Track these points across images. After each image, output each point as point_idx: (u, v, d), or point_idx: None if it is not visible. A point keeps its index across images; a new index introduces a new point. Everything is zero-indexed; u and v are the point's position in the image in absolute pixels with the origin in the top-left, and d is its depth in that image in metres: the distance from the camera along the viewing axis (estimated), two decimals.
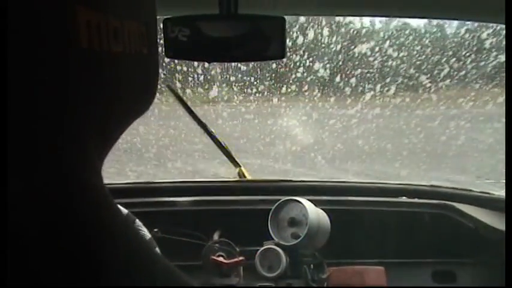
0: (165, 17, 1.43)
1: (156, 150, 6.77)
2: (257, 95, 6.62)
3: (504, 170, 1.36)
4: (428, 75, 7.01)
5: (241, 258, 2.24)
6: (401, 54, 7.20)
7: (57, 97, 0.44)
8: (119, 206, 0.61)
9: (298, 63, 6.73)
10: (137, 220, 1.63)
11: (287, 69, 6.87)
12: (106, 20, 0.49)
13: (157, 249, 1.35)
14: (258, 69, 6.48)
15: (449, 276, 2.42)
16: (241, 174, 2.81)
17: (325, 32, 6.35)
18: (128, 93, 0.58)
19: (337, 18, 6.36)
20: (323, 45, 6.69)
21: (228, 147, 2.82)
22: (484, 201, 2.48)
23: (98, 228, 0.50)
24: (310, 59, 6.77)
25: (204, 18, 1.49)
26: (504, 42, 1.47)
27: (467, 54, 6.65)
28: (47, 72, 0.43)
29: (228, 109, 6.68)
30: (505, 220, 1.58)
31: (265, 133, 6.98)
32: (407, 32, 7.04)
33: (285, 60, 5.82)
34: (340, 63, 6.99)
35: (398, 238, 2.45)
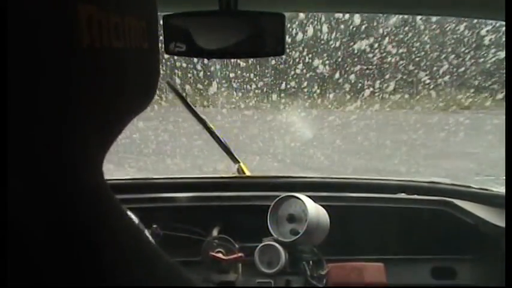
0: (165, 13, 1.43)
1: (155, 146, 6.78)
2: (256, 91, 6.63)
3: (504, 166, 1.36)
4: (428, 71, 7.02)
5: (240, 254, 2.24)
6: (400, 51, 7.21)
7: (58, 94, 0.44)
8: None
9: (297, 60, 6.74)
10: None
11: (286, 65, 6.88)
12: (107, 15, 0.49)
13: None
14: (257, 66, 6.49)
15: (449, 273, 2.43)
16: (240, 170, 2.81)
17: (325, 28, 6.36)
18: (129, 89, 0.58)
19: (337, 15, 6.37)
20: (322, 42, 6.70)
21: (227, 143, 2.82)
22: (483, 198, 2.48)
23: (100, 224, 0.50)
24: (310, 55, 6.78)
25: (204, 15, 1.49)
26: (503, 39, 1.47)
27: (467, 50, 6.67)
28: (47, 69, 0.42)
29: (227, 105, 6.69)
30: (505, 217, 1.59)
31: (265, 129, 6.99)
32: (406, 28, 7.05)
33: (284, 56, 5.83)
34: (340, 59, 7.00)
35: (398, 234, 2.45)
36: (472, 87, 6.63)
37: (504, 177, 1.40)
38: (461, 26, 6.55)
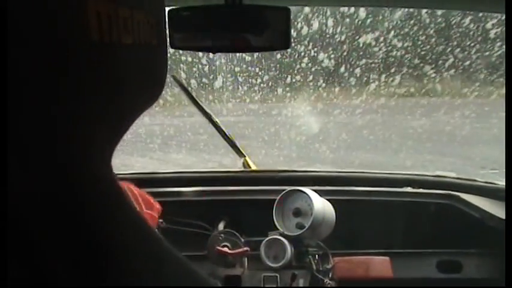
0: (171, 7, 1.43)
1: (161, 140, 6.78)
2: (262, 85, 6.63)
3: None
4: (433, 65, 7.01)
5: (246, 248, 2.24)
6: (405, 45, 7.20)
7: (67, 89, 0.44)
8: None
9: (302, 54, 6.73)
10: None
11: (292, 59, 6.87)
12: (116, 11, 0.49)
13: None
14: (263, 60, 6.48)
15: (455, 266, 2.42)
16: (246, 165, 2.82)
17: (330, 22, 6.36)
18: (138, 84, 0.58)
19: (342, 9, 6.36)
20: (328, 36, 6.70)
21: (233, 137, 2.82)
22: (489, 191, 2.48)
23: (108, 218, 0.50)
24: (315, 49, 6.77)
25: (209, 9, 1.49)
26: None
27: (472, 44, 6.65)
28: (57, 64, 0.43)
29: (233, 99, 6.69)
30: (505, 214, 1.59)
31: (270, 123, 6.98)
32: (411, 22, 7.05)
33: (289, 50, 5.82)
34: (345, 53, 7.00)
35: (404, 228, 2.45)
36: (477, 80, 6.61)
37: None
38: (467, 20, 6.54)
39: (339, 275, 2.24)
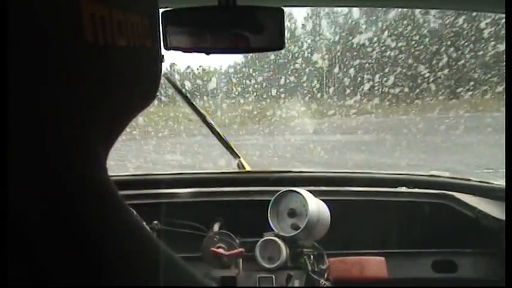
0: (164, 9, 1.43)
1: (155, 142, 6.79)
2: (256, 86, 6.64)
3: (503, 159, 1.36)
4: (427, 65, 7.03)
5: (241, 249, 2.24)
6: (399, 45, 7.21)
7: (61, 91, 0.44)
8: None
9: (296, 54, 6.74)
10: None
11: (286, 60, 6.88)
12: (110, 12, 0.49)
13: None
14: (257, 61, 6.49)
15: (450, 266, 2.43)
16: (240, 166, 2.82)
17: (324, 22, 6.37)
18: (132, 86, 0.58)
19: (335, 9, 6.36)
20: (322, 36, 6.71)
21: (227, 138, 2.82)
22: (483, 191, 2.48)
23: (103, 220, 0.50)
24: (309, 49, 6.78)
25: (203, 10, 1.50)
26: (503, 32, 1.47)
27: (466, 43, 6.67)
28: (51, 66, 0.43)
29: (227, 100, 6.70)
30: (505, 212, 1.59)
31: (264, 124, 7.00)
32: (405, 22, 7.07)
33: (283, 51, 5.84)
34: (339, 54, 7.01)
35: (398, 228, 2.45)
36: (471, 80, 6.64)
37: (504, 170, 1.41)
38: (460, 19, 6.56)
39: (334, 276, 2.24)
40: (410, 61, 7.08)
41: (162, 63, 0.68)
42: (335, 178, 2.66)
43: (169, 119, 6.63)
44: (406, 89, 7.02)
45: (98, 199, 0.50)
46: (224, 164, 3.61)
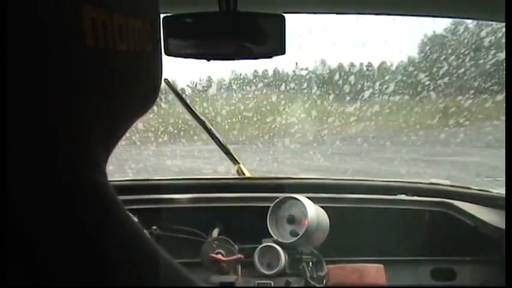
0: (165, 14, 1.43)
1: (155, 147, 6.77)
2: (256, 92, 6.62)
3: (504, 168, 1.36)
4: (427, 73, 7.02)
5: (240, 255, 2.24)
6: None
7: (62, 95, 0.44)
8: None
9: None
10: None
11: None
12: (111, 17, 0.49)
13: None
14: (257, 67, 6.48)
15: (449, 274, 2.43)
16: (240, 172, 2.82)
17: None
18: (133, 91, 0.58)
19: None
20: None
21: (227, 144, 2.82)
22: (483, 199, 2.48)
23: (102, 224, 0.50)
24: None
25: (204, 16, 1.49)
26: (503, 40, 1.47)
27: (466, 52, 6.66)
28: (52, 69, 0.43)
29: (227, 107, 6.69)
30: (505, 219, 1.59)
31: (264, 131, 6.98)
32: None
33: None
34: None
35: (397, 236, 2.45)
36: (471, 88, 6.63)
37: (504, 179, 1.40)
38: (461, 27, 6.56)
39: (333, 282, 2.24)
40: (410, 68, 7.08)
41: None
42: (334, 185, 2.65)
43: (169, 124, 6.62)
44: (406, 97, 7.01)
45: (97, 203, 0.51)
46: (224, 170, 3.60)
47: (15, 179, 0.42)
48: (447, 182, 2.69)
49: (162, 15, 1.41)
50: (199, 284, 0.65)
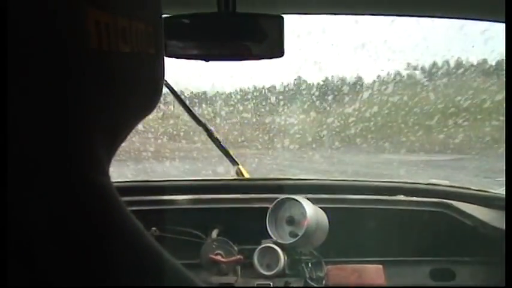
0: (164, 15, 1.43)
1: (154, 148, 6.77)
2: (255, 93, 6.61)
3: (503, 168, 1.36)
4: (426, 73, 7.01)
5: (239, 256, 2.24)
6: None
7: (65, 96, 0.44)
8: None
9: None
10: None
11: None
12: (115, 20, 0.49)
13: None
14: (256, 68, 6.47)
15: (448, 274, 2.42)
16: (239, 173, 2.81)
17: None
18: (136, 93, 0.58)
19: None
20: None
21: (226, 145, 2.82)
22: (482, 199, 2.48)
23: (106, 226, 0.50)
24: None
25: (203, 17, 1.49)
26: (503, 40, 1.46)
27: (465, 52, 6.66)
28: (55, 71, 0.43)
29: (226, 108, 6.69)
30: (505, 219, 1.59)
31: (264, 131, 6.98)
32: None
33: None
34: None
35: (397, 236, 2.45)
36: (471, 88, 6.62)
37: (503, 179, 1.40)
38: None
39: (332, 283, 2.24)
40: (409, 69, 7.08)
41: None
42: (333, 186, 2.65)
43: (168, 125, 6.62)
44: (405, 98, 7.01)
45: (100, 203, 0.51)
46: (223, 171, 3.60)
47: (17, 179, 0.42)
48: (446, 183, 2.69)
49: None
50: (201, 285, 0.65)
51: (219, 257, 2.23)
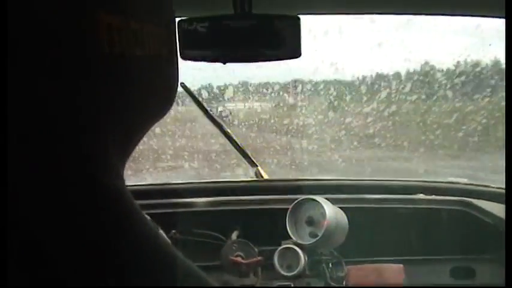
0: (180, 18, 1.43)
1: (172, 151, 6.78)
2: (272, 94, 6.61)
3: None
4: (444, 71, 6.98)
5: (259, 258, 2.24)
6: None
7: (79, 100, 0.45)
8: None
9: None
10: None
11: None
12: (127, 23, 0.50)
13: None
14: (273, 69, 6.46)
15: (468, 273, 2.41)
16: (258, 174, 2.81)
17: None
18: (149, 96, 0.58)
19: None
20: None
21: (245, 147, 2.82)
22: (502, 197, 2.47)
23: (120, 229, 0.50)
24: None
25: (219, 19, 1.49)
26: None
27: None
28: (69, 76, 0.43)
29: (244, 109, 6.68)
30: (505, 218, 1.58)
31: (282, 133, 6.97)
32: None
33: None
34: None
35: (416, 235, 2.44)
36: (488, 86, 6.58)
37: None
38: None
39: (353, 283, 2.24)
40: (427, 68, 7.04)
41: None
42: (353, 185, 2.65)
43: (186, 128, 6.62)
44: (423, 96, 6.97)
45: (113, 207, 0.51)
46: (242, 173, 3.60)
47: (30, 182, 0.43)
48: (465, 181, 2.68)
49: (177, 19, 1.41)
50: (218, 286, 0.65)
51: (239, 259, 2.23)
